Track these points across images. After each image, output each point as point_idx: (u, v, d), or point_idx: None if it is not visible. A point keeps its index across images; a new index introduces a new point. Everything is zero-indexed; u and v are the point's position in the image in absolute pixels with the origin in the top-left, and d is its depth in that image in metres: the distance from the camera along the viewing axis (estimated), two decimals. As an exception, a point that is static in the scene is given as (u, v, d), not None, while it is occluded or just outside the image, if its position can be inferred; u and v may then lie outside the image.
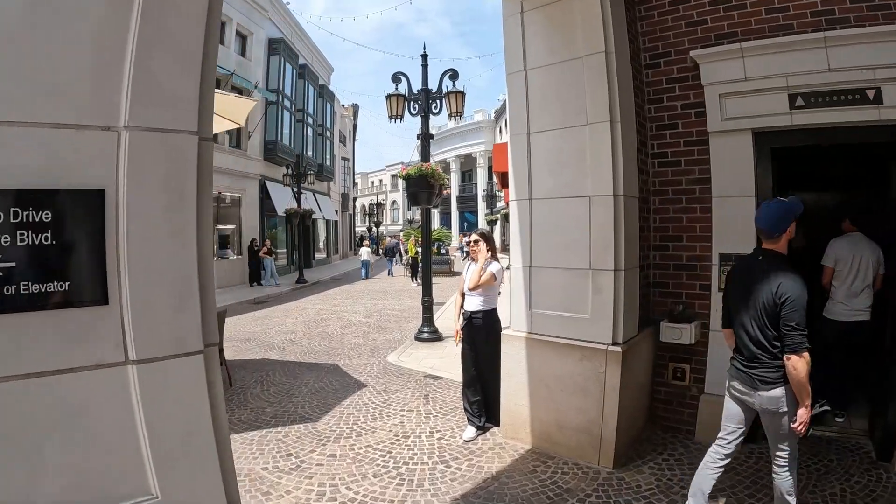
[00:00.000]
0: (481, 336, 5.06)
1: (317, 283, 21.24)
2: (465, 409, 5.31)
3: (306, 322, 11.93)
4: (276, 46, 22.70)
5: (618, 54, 4.45)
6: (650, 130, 5.21)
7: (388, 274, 25.76)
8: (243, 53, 20.79)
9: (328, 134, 31.43)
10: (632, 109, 4.76)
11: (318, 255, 32.00)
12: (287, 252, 25.47)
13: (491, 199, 37.76)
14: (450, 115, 9.83)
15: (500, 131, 44.39)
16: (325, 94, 30.46)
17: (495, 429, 5.16)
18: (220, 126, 7.49)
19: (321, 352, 8.80)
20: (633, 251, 4.65)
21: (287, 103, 23.74)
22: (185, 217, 1.48)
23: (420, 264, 20.27)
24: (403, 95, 9.75)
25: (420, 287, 19.21)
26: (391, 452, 4.75)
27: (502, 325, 5.16)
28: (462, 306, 5.23)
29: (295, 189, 20.64)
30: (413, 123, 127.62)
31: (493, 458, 4.63)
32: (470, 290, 5.01)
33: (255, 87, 19.48)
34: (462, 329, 5.20)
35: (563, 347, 4.58)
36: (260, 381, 7.05)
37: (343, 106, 40.58)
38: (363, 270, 24.07)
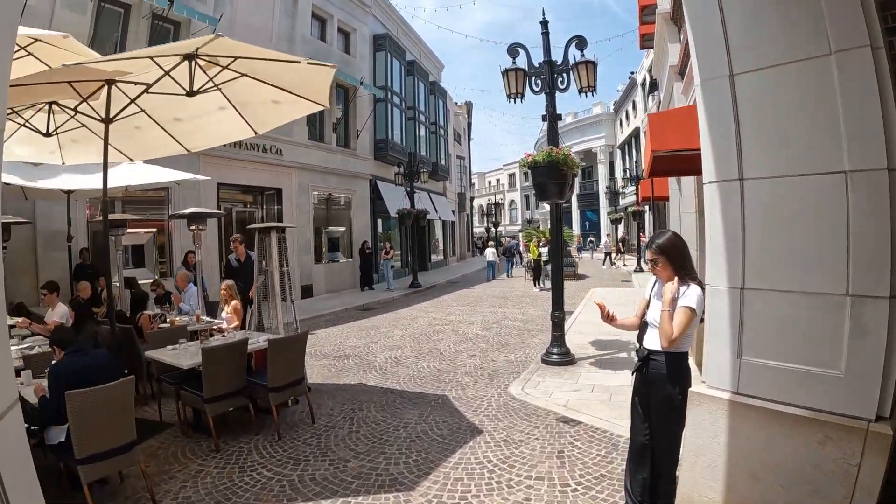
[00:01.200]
0: (659, 388, 3.24)
1: (432, 288, 20.10)
2: (625, 488, 3.55)
3: (416, 335, 10.61)
4: (381, 42, 21.90)
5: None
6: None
7: (507, 275, 24.28)
8: (347, 50, 20.14)
9: (441, 132, 30.41)
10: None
11: (435, 258, 31.10)
12: (402, 255, 24.70)
13: (614, 196, 34.99)
14: (580, 91, 8.04)
15: (621, 124, 41.42)
16: (436, 90, 29.45)
17: (667, 522, 3.39)
18: (301, 110, 6.31)
19: (429, 377, 7.36)
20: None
21: (396, 100, 22.89)
22: None
23: (544, 268, 18.68)
24: (523, 70, 8.10)
25: (543, 292, 17.67)
26: (515, 562, 3.16)
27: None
28: (638, 336, 3.49)
29: (408, 188, 19.62)
30: (529, 117, 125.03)
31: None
32: (665, 347, 3.24)
33: (361, 83, 18.67)
34: (635, 373, 3.45)
35: (791, 420, 2.75)
36: (350, 418, 5.72)
37: (456, 104, 39.58)
38: (489, 271, 23.52)
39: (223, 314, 7.15)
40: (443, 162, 30.40)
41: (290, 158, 16.40)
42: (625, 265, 27.14)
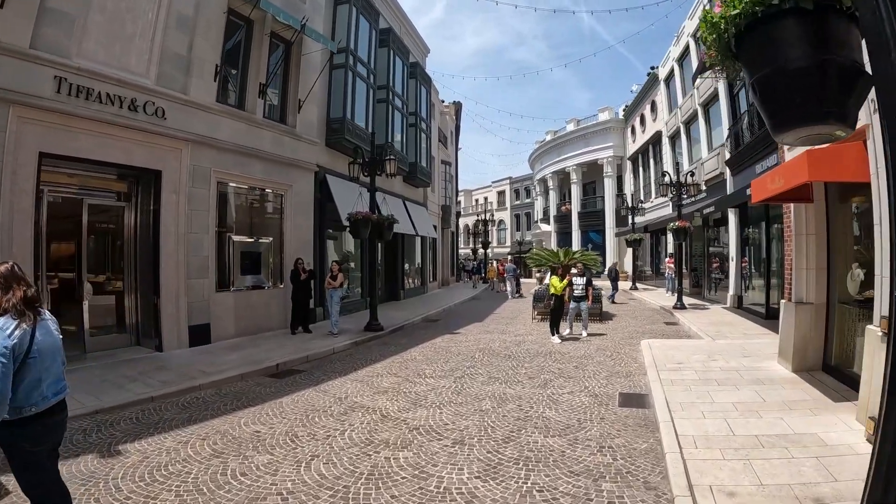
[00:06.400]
0: None
1: (397, 332, 13.88)
2: None
3: (327, 497, 4.46)
4: (344, -9, 15.96)
5: None
6: None
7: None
8: (292, -9, 14.15)
9: (424, 126, 24.34)
10: None
11: (410, 283, 24.83)
12: (361, 279, 18.42)
13: (631, 210, 28.82)
14: None
15: (633, 131, 35.77)
16: (418, 74, 23.44)
17: None
18: None
19: None
20: None
21: (362, 70, 16.83)
22: None
23: (573, 304, 12.51)
24: None
25: (566, 343, 11.57)
26: None
27: None
28: None
29: (367, 183, 13.48)
30: (517, 144, 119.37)
31: None
32: None
33: (303, 26, 12.61)
34: None
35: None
36: None
37: (443, 102, 33.80)
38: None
39: None
40: (423, 163, 24.29)
41: (178, 126, 10.18)
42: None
